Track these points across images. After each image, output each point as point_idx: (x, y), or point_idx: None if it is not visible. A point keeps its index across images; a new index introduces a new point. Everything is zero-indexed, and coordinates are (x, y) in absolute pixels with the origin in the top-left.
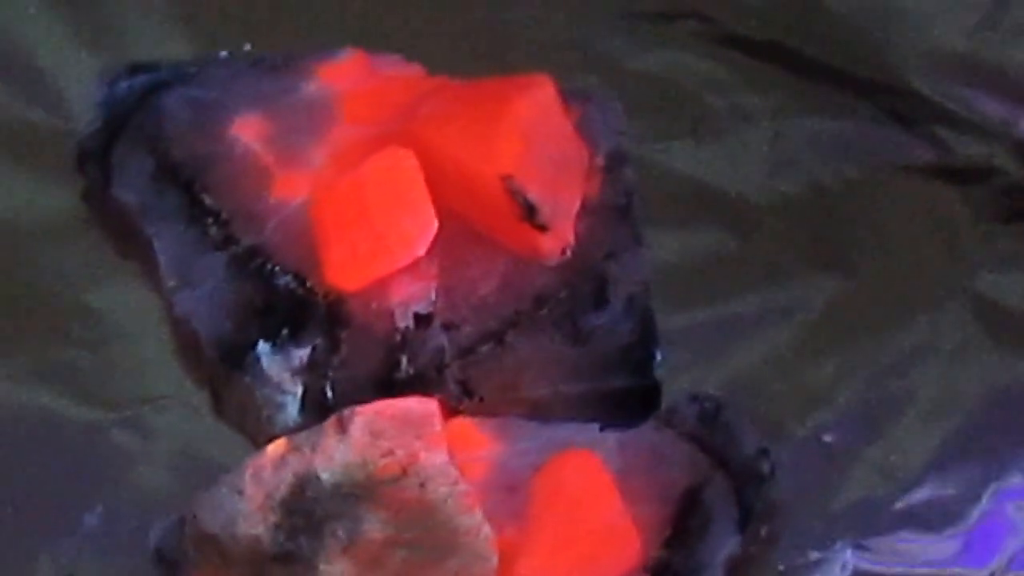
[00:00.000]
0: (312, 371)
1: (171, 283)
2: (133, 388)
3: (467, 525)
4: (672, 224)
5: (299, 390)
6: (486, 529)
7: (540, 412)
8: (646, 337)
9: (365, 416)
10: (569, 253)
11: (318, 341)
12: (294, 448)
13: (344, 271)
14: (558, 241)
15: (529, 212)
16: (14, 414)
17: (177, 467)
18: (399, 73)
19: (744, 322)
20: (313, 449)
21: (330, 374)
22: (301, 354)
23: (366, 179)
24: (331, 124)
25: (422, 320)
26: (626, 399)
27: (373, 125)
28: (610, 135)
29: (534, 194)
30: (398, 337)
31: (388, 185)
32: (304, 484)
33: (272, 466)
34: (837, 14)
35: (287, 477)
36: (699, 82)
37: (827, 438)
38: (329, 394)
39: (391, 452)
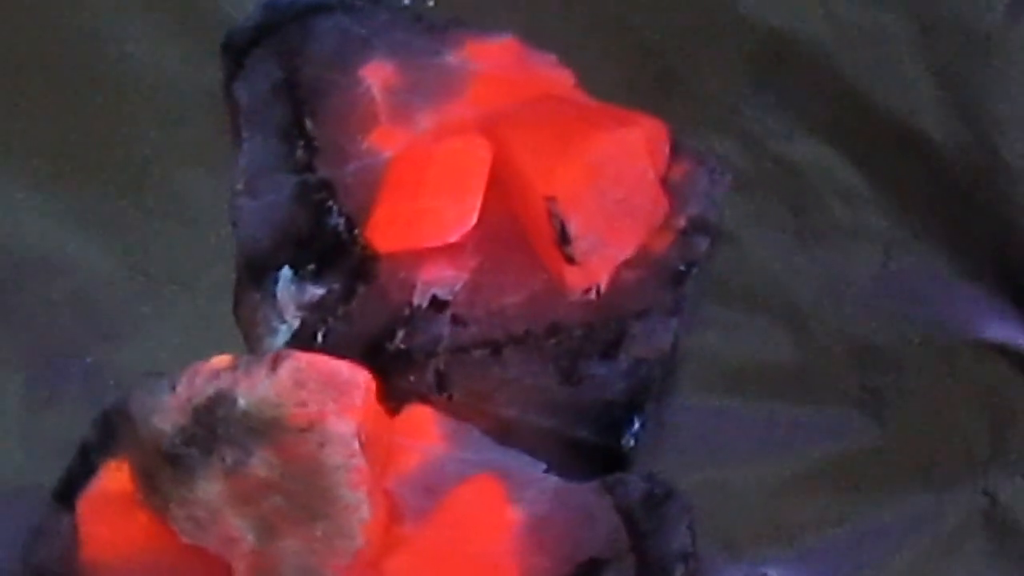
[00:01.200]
0: (316, 311)
1: (238, 186)
2: (172, 265)
3: (347, 500)
4: (732, 314)
5: (295, 324)
6: (365, 511)
7: (500, 432)
8: (634, 403)
9: (297, 362)
10: (595, 295)
11: (335, 287)
12: (231, 367)
13: (384, 231)
14: (585, 279)
15: (562, 239)
16: (48, 251)
17: (175, 346)
18: (542, 73)
19: (758, 430)
20: (244, 374)
21: (330, 321)
22: (315, 292)
23: (436, 155)
24: (452, 97)
25: (437, 304)
26: (586, 453)
27: (486, 110)
28: (703, 201)
29: (575, 225)
30: (407, 311)
31: (452, 168)
32: (220, 401)
33: (206, 375)
34: (1015, 169)
35: (210, 389)
36: (831, 185)
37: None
38: (320, 338)
39: (305, 404)
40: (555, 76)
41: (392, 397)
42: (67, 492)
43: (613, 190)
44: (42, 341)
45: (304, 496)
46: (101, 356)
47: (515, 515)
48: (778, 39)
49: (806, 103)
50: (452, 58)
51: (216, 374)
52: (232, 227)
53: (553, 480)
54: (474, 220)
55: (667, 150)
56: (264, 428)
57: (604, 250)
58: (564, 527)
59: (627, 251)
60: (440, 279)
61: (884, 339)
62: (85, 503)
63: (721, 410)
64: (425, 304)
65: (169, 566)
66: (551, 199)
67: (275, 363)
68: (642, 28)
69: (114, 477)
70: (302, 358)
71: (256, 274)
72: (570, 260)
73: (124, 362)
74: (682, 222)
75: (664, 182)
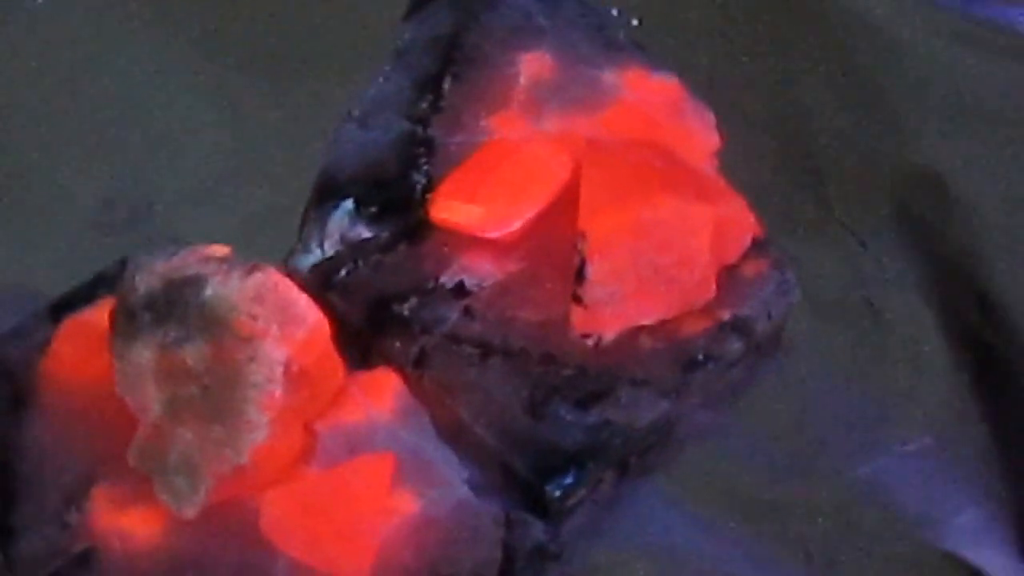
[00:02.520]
0: (353, 251)
1: (354, 111)
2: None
3: (250, 417)
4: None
5: (329, 253)
6: (261, 434)
7: (448, 428)
8: (579, 458)
9: (267, 279)
10: (594, 343)
11: (383, 236)
12: (221, 258)
13: (441, 203)
14: (590, 324)
15: (577, 276)
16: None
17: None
18: (684, 125)
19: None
20: (223, 270)
21: (359, 264)
22: (363, 233)
23: (518, 154)
24: (586, 111)
25: (459, 290)
26: (514, 483)
27: (600, 134)
28: (758, 306)
29: (597, 270)
30: (430, 284)
31: (524, 171)
32: (191, 284)
33: (198, 258)
34: None
35: (191, 269)
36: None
37: None
38: (335, 278)
39: (255, 317)
40: (697, 133)
41: (374, 355)
42: (61, 308)
43: (655, 255)
44: (128, 187)
45: (216, 397)
46: (170, 222)
47: (407, 505)
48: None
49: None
50: (608, 76)
51: (206, 260)
52: (327, 144)
53: (463, 491)
54: (515, 226)
55: (746, 242)
56: (212, 323)
57: (621, 306)
58: (444, 537)
59: (648, 317)
60: (476, 270)
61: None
62: (69, 323)
63: (688, 520)
64: (449, 285)
65: (103, 407)
66: (582, 235)
67: (250, 271)
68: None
69: (102, 314)
70: (273, 277)
71: (324, 195)
72: (577, 299)
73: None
74: (725, 315)
75: (726, 271)
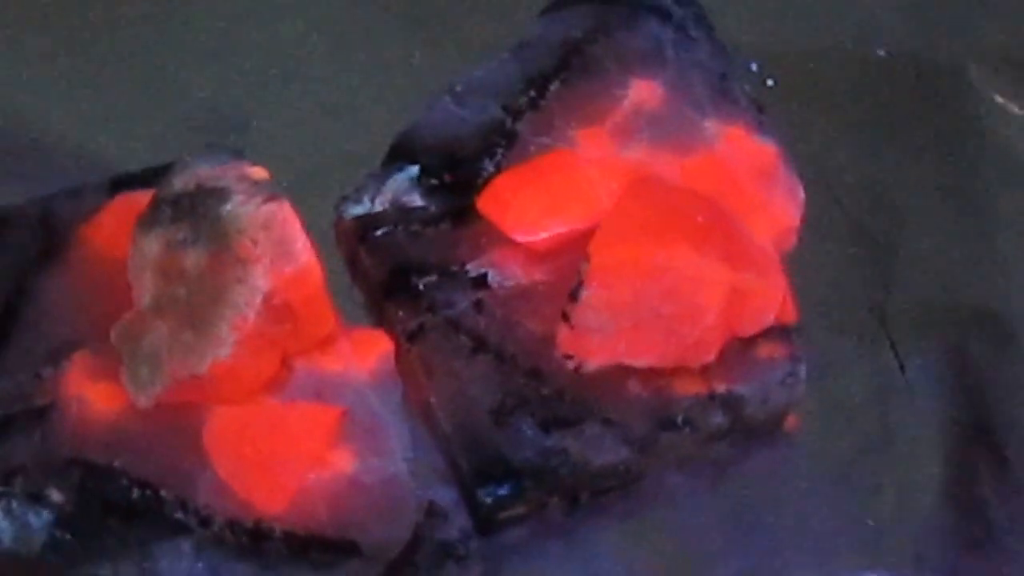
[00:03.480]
0: (397, 215)
1: (456, 86)
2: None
3: (220, 334)
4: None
5: (375, 209)
6: (225, 352)
7: (416, 405)
8: (519, 474)
9: (278, 212)
10: (573, 366)
11: (432, 210)
12: (255, 181)
13: (489, 195)
14: (573, 347)
15: (572, 295)
16: None
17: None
18: (763, 190)
19: None
20: (248, 191)
21: (397, 229)
22: (415, 202)
23: (575, 170)
24: (669, 153)
25: (479, 283)
26: (455, 478)
27: (681, 179)
28: (755, 389)
29: (593, 296)
30: (454, 268)
31: (574, 186)
32: (218, 195)
33: (236, 173)
34: None
35: (223, 182)
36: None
37: None
38: (372, 233)
39: (254, 243)
40: (775, 205)
41: (378, 315)
42: (120, 184)
43: (659, 301)
44: (233, 99)
45: (197, 305)
46: (257, 141)
47: (342, 462)
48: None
49: None
50: (710, 125)
51: (241, 179)
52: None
53: (400, 469)
54: (540, 236)
55: (766, 320)
56: (219, 237)
57: (610, 339)
58: (364, 504)
59: (636, 360)
60: (503, 268)
61: None
62: (121, 200)
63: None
64: (473, 274)
65: (115, 285)
66: (587, 257)
67: (267, 200)
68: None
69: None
70: (284, 212)
71: (395, 154)
72: (565, 318)
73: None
74: (719, 387)
75: (738, 343)
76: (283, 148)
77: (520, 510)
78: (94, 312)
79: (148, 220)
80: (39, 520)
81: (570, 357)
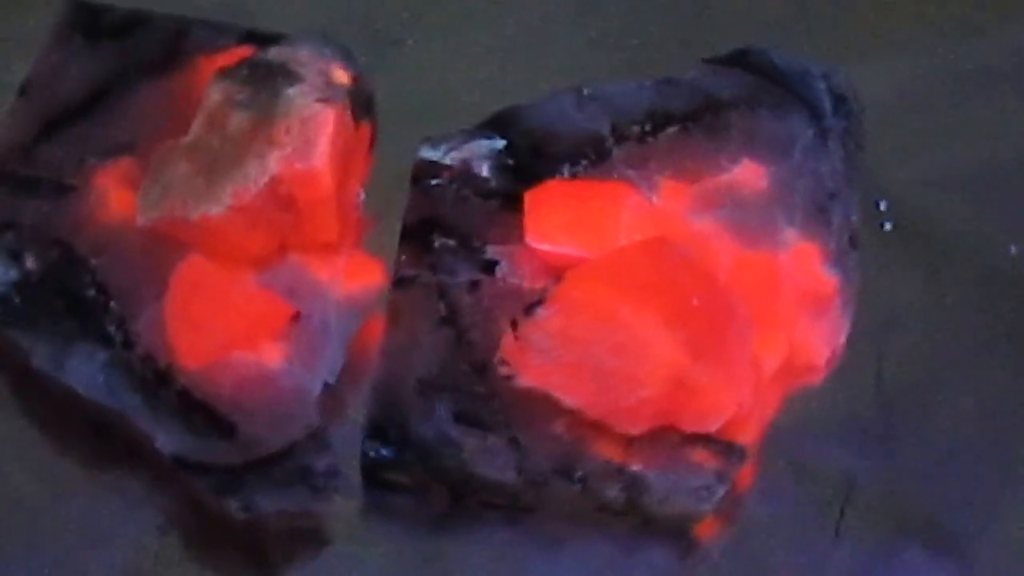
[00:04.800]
0: (459, 172)
1: (584, 89)
2: None
3: (221, 194)
4: None
5: (444, 161)
6: (216, 210)
7: (362, 340)
8: (409, 448)
9: (322, 117)
10: (505, 374)
11: (491, 183)
12: (332, 83)
13: (531, 193)
14: (510, 355)
15: (529, 308)
16: None
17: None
18: (809, 314)
19: None
20: (320, 90)
21: (447, 185)
22: (480, 170)
23: (616, 211)
24: (730, 237)
25: (490, 267)
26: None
27: (722, 272)
28: (664, 480)
29: (548, 319)
30: (477, 244)
31: (596, 216)
32: (290, 77)
33: (325, 72)
34: None
35: (307, 71)
36: None
37: None
38: (427, 181)
39: (287, 131)
40: (800, 330)
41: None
42: (253, 37)
43: (605, 352)
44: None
45: (221, 160)
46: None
47: (268, 354)
48: None
49: None
50: (785, 234)
51: (323, 74)
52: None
53: (316, 387)
54: (548, 249)
55: (709, 425)
56: (266, 110)
57: (547, 367)
58: (264, 400)
59: (563, 397)
60: (515, 265)
61: None
62: (244, 49)
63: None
64: (488, 256)
65: (187, 114)
66: (559, 279)
67: (323, 101)
68: None
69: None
70: (328, 118)
71: (494, 122)
72: (514, 326)
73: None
74: (631, 464)
75: (674, 430)
76: (414, 75)
77: (403, 479)
78: (162, 132)
79: (226, 72)
80: (4, 275)
81: (506, 364)
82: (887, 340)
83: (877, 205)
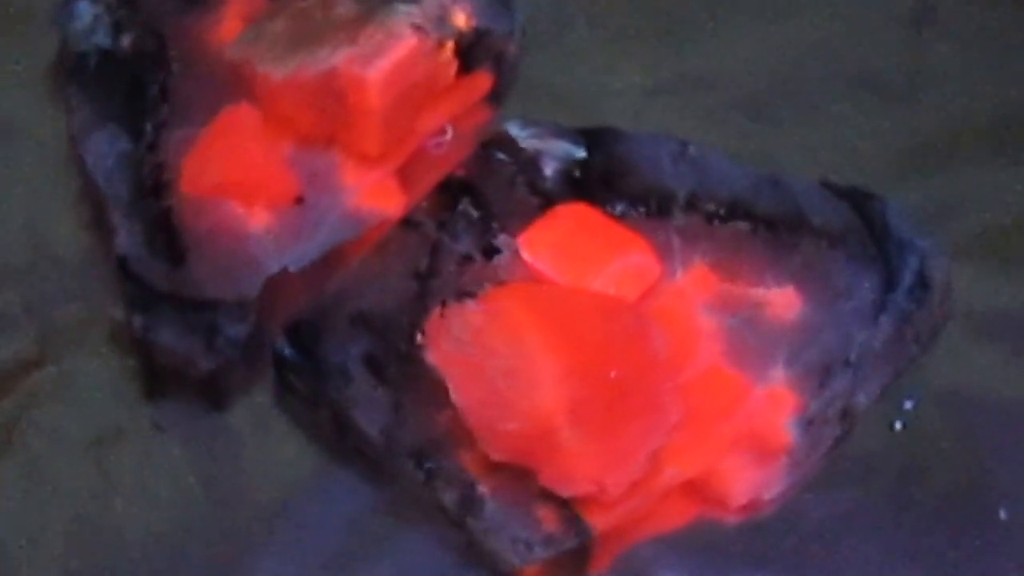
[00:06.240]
0: (525, 158)
1: (691, 147)
2: None
3: (289, 61)
4: None
5: (515, 136)
6: (275, 75)
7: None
8: (305, 366)
9: (408, 46)
10: (417, 341)
11: (545, 185)
12: (447, 20)
13: (558, 209)
14: (429, 328)
15: (466, 293)
16: None
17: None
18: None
19: None
20: (431, 15)
21: (507, 164)
22: (545, 168)
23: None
24: (719, 343)
25: (489, 253)
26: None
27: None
28: (496, 514)
29: (464, 314)
30: (495, 231)
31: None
32: None
33: (450, 6)
34: None
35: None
36: None
37: None
38: (491, 151)
39: (370, 37)
40: (737, 463)
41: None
42: None
43: (500, 372)
44: None
45: (313, 34)
46: None
47: (255, 220)
48: None
49: None
50: (773, 373)
51: (446, 8)
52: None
53: (272, 268)
54: (537, 266)
55: (558, 486)
56: (374, 10)
57: (452, 358)
58: (229, 258)
59: (455, 393)
60: (513, 264)
61: None
62: None
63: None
64: (496, 243)
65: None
66: (492, 289)
67: (421, 32)
68: None
69: None
70: (410, 50)
71: (590, 134)
72: (443, 304)
73: None
74: (478, 485)
75: (534, 480)
76: (574, 56)
77: (300, 385)
78: None
79: None
80: (100, 40)
81: (423, 335)
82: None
83: (904, 403)
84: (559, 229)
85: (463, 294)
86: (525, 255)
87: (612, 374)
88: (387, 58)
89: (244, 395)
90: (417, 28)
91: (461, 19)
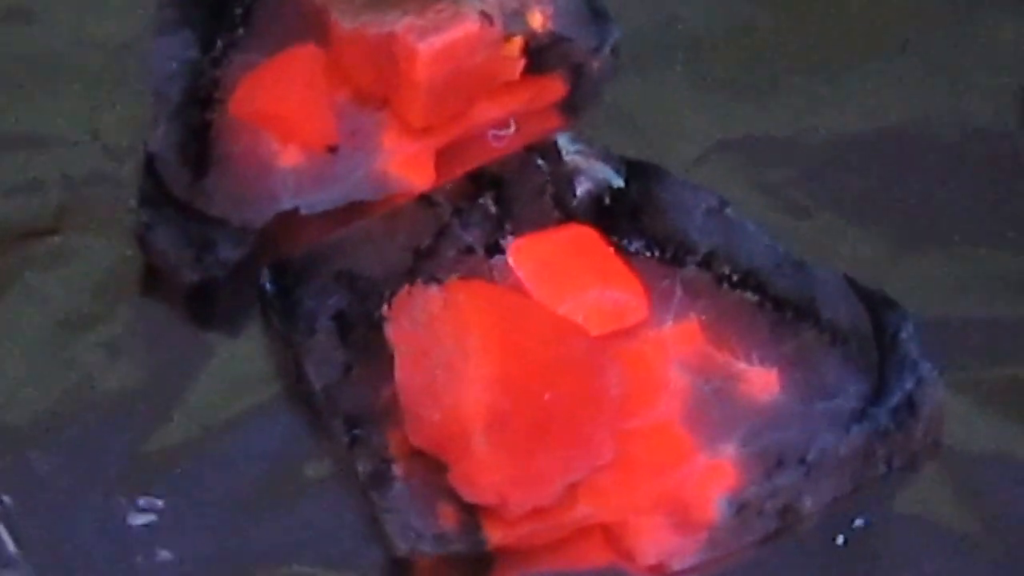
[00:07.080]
0: (562, 172)
1: (723, 202)
2: None
3: (361, 16)
4: None
5: (562, 148)
6: (345, 24)
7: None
8: (286, 306)
9: (477, 30)
10: (383, 313)
11: (575, 207)
12: (523, 14)
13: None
14: (397, 305)
15: (426, 279)
16: None
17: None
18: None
19: None
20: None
21: (543, 167)
22: (578, 186)
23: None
24: (688, 406)
25: (493, 251)
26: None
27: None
28: (401, 510)
29: (425, 297)
30: (507, 231)
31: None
32: None
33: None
34: None
35: None
36: None
37: None
38: (535, 160)
39: (439, 12)
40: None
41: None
42: None
43: (438, 361)
44: None
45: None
46: None
47: (286, 157)
48: None
49: None
50: (733, 451)
51: (524, 3)
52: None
53: (285, 206)
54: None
55: (464, 491)
56: None
57: (404, 331)
58: (257, 185)
59: (396, 365)
60: (509, 271)
61: None
62: None
63: None
64: (505, 243)
65: None
66: (454, 283)
67: (492, 22)
68: None
69: None
70: (468, 37)
71: (637, 168)
72: (411, 282)
73: None
74: (395, 467)
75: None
76: (657, 87)
77: (274, 321)
78: None
79: None
80: None
81: (388, 309)
82: None
83: (835, 538)
84: (552, 245)
85: (431, 279)
86: (509, 260)
87: (546, 396)
88: (443, 36)
89: (227, 317)
90: (484, 15)
91: (537, 19)
